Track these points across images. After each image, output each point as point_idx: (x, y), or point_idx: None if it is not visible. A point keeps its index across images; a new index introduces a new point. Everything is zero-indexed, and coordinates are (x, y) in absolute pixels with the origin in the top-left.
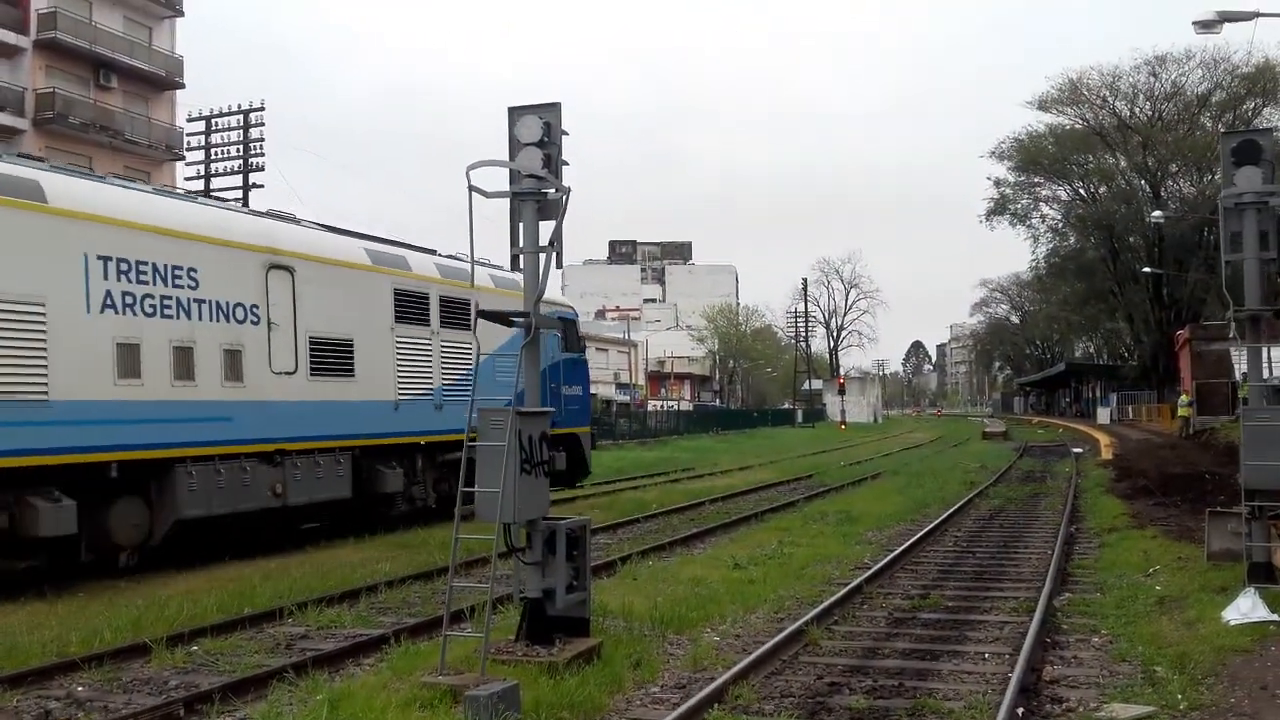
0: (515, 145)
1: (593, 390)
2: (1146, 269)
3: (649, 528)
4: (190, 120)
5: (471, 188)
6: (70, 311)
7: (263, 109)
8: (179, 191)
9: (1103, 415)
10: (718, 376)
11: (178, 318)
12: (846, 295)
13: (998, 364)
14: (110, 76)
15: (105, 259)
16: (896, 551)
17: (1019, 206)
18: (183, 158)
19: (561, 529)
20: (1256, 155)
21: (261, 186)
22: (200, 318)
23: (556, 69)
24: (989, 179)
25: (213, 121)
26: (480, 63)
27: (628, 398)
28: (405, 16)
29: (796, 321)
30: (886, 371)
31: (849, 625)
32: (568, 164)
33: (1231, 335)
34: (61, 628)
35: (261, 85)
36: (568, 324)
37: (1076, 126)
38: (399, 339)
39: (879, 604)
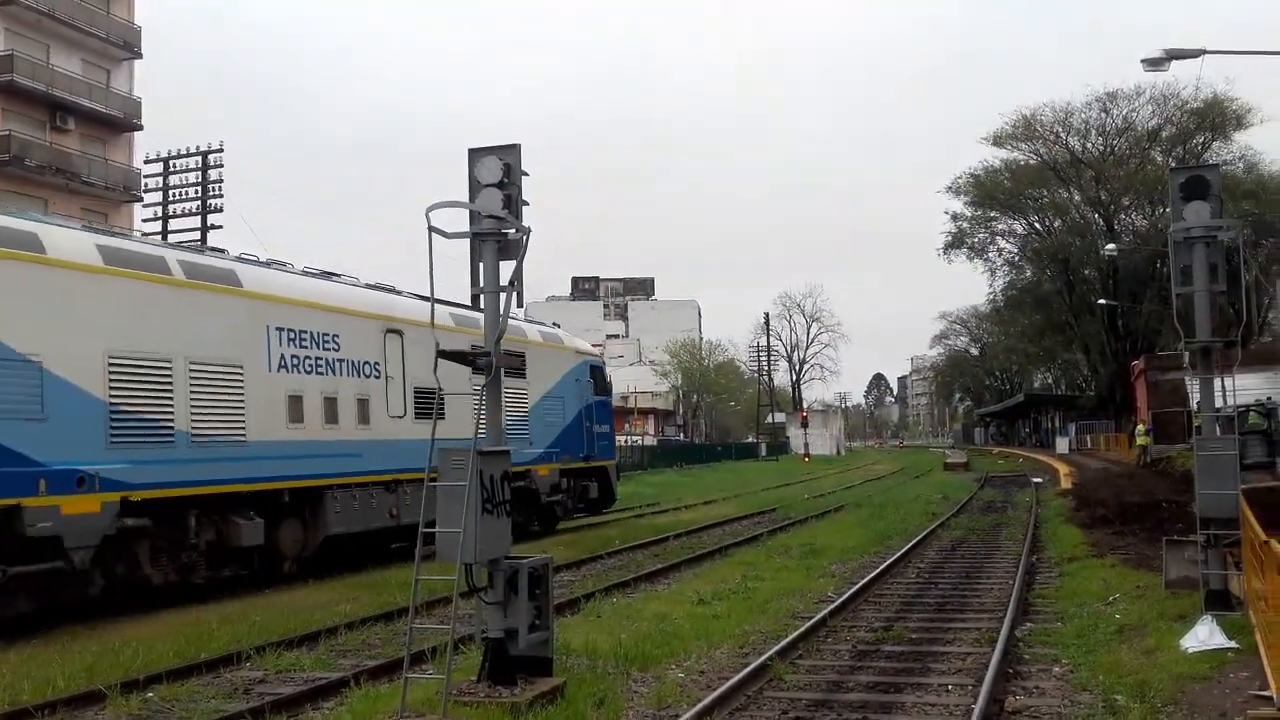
0: (475, 186)
1: None
2: (1101, 301)
3: (613, 564)
4: (148, 162)
5: (431, 229)
6: (259, 371)
7: (221, 150)
8: (316, 270)
9: (1062, 445)
10: (681, 411)
11: (326, 374)
12: (808, 329)
13: (958, 395)
14: (67, 119)
15: (280, 329)
16: (860, 584)
17: (976, 240)
18: (140, 199)
19: (524, 568)
20: (1205, 190)
21: (220, 227)
22: (341, 374)
23: (524, 98)
24: (946, 213)
25: (171, 163)
26: (445, 96)
27: None
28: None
29: (759, 355)
30: (849, 404)
31: (813, 659)
32: (528, 204)
33: (1185, 365)
34: (13, 676)
35: (223, 124)
36: (596, 370)
37: (1031, 162)
38: (474, 387)
39: (843, 637)
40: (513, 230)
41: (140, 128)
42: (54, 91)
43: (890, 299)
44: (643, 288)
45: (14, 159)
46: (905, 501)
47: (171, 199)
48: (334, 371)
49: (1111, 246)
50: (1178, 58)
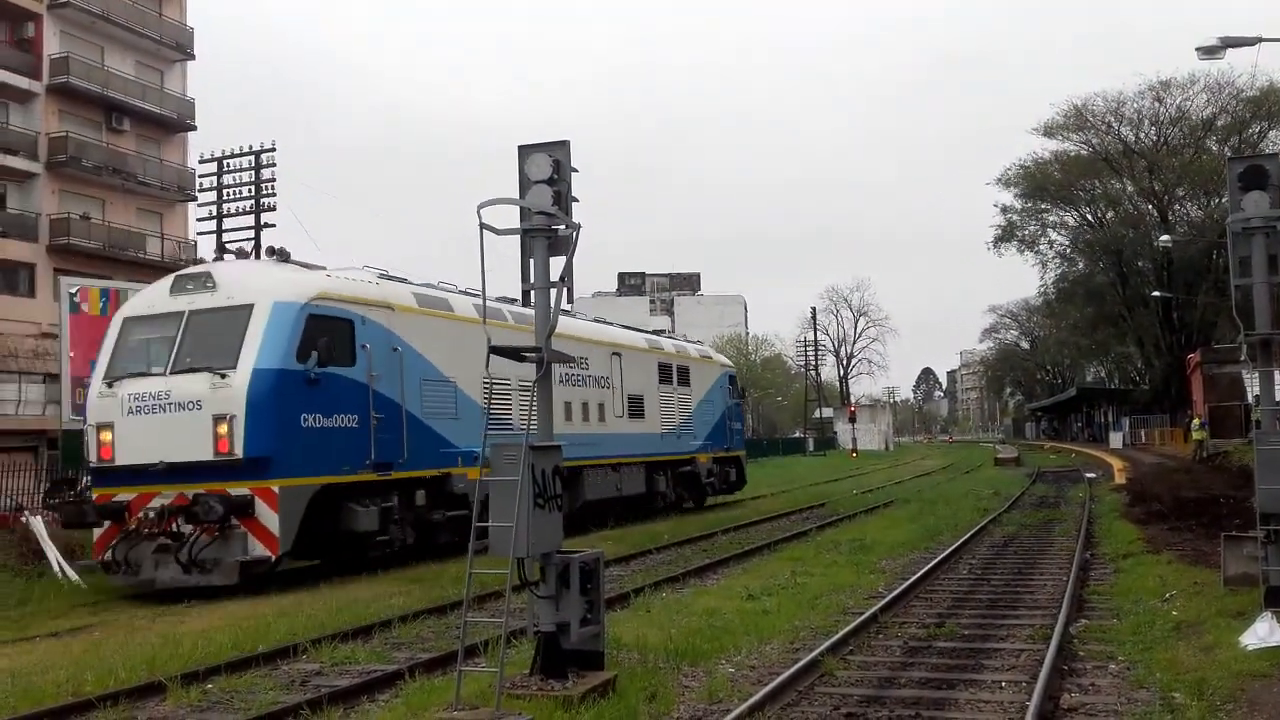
0: (525, 183)
1: None
2: (1156, 293)
3: (662, 559)
4: (202, 162)
5: (483, 225)
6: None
7: (274, 149)
8: (565, 308)
9: (1115, 439)
10: None
11: (581, 386)
12: (855, 323)
13: (1008, 390)
14: (122, 120)
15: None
16: (911, 580)
17: (1026, 233)
18: (195, 199)
19: (575, 563)
20: (1263, 180)
21: (274, 226)
22: (589, 386)
23: (562, 99)
24: (996, 206)
25: (224, 163)
26: (477, 94)
27: None
28: (405, 49)
29: (806, 350)
30: (897, 399)
31: (864, 655)
32: (577, 200)
33: (1243, 358)
34: (75, 667)
35: (276, 123)
36: (732, 379)
37: (1082, 152)
38: (661, 394)
39: (894, 633)
40: (562, 226)
41: (194, 128)
42: (109, 93)
43: (939, 292)
44: (689, 283)
45: (71, 159)
46: (955, 497)
47: (225, 198)
48: (585, 384)
49: (1166, 238)
50: (1233, 45)
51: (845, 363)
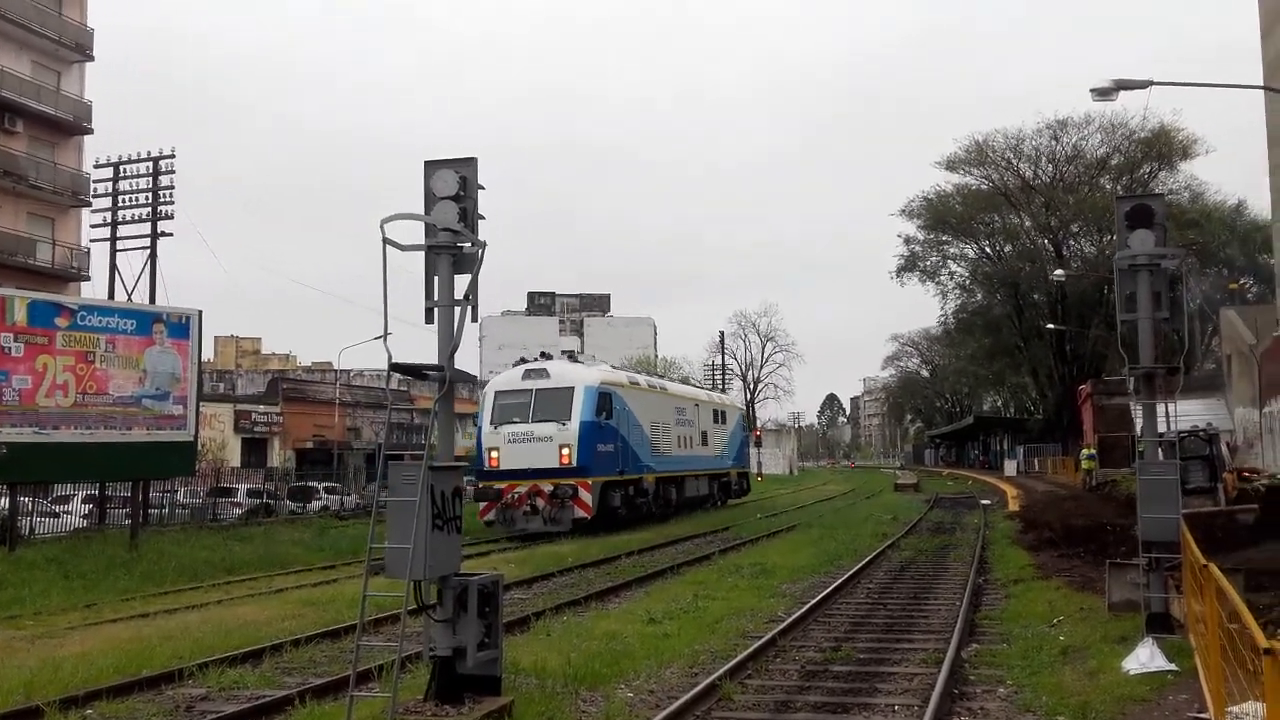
0: (430, 198)
1: None
2: (1050, 325)
3: (564, 582)
4: (98, 166)
5: (386, 240)
6: (667, 425)
7: (173, 156)
8: (676, 377)
9: (1010, 467)
10: None
11: (685, 426)
12: (763, 348)
13: (909, 416)
14: (15, 120)
15: (677, 408)
16: (810, 604)
17: (928, 263)
18: (89, 204)
19: (473, 585)
20: (1149, 219)
21: (171, 235)
22: (687, 425)
23: (476, 116)
24: (900, 236)
25: (121, 168)
26: (393, 113)
27: None
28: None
29: (714, 374)
30: (802, 424)
31: (762, 679)
32: (484, 218)
33: (1130, 390)
34: None
35: (177, 132)
36: (743, 415)
37: (983, 187)
38: (714, 428)
39: (792, 657)
40: (468, 244)
41: (90, 131)
42: (2, 92)
43: (845, 320)
44: (599, 304)
45: None
46: (856, 522)
47: (121, 204)
48: (686, 425)
49: (1060, 272)
50: (1126, 88)
51: (752, 387)
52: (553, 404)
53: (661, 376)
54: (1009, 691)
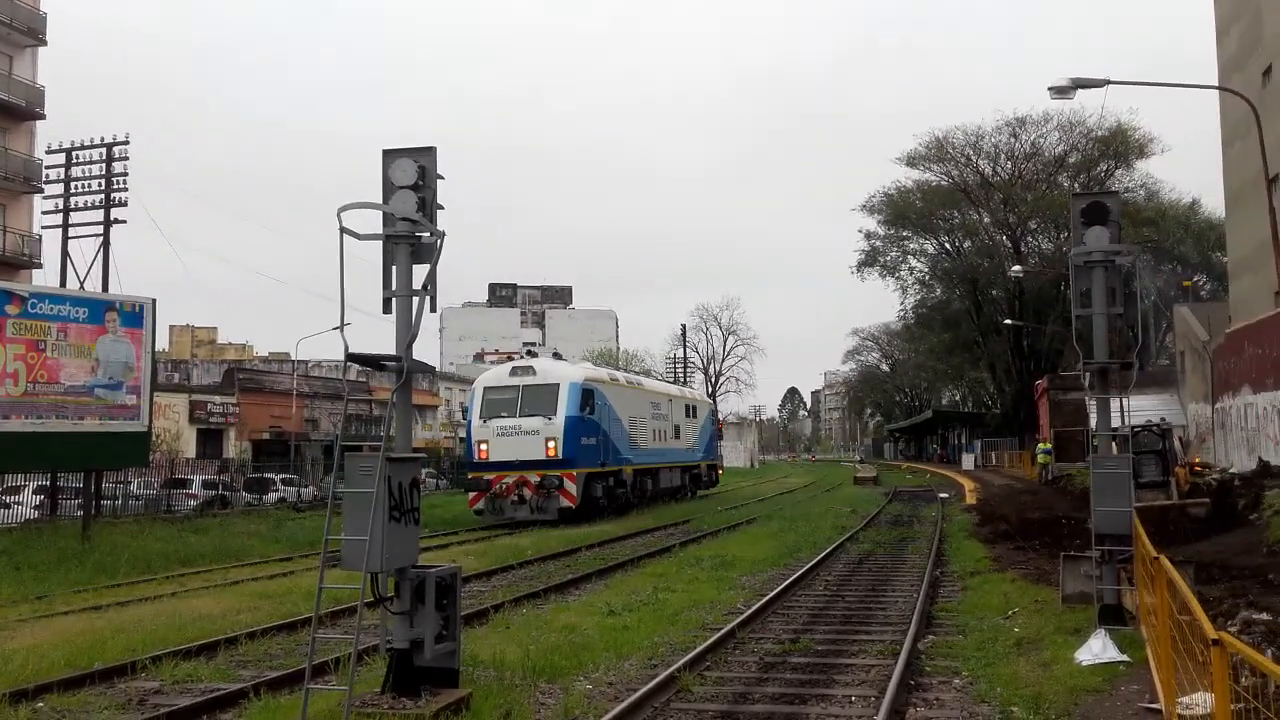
0: (389, 188)
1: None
2: (1008, 321)
3: (524, 574)
4: (50, 152)
5: (343, 230)
6: (644, 420)
7: (127, 142)
8: (656, 374)
9: (968, 461)
10: None
11: (659, 420)
12: (725, 342)
13: (869, 410)
14: None
15: (652, 404)
16: (769, 596)
17: (888, 258)
18: (41, 190)
19: (431, 577)
20: (1104, 216)
21: (124, 222)
22: (661, 420)
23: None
24: (860, 231)
25: (74, 154)
26: (349, 110)
27: None
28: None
29: (676, 367)
30: (763, 417)
31: (721, 671)
32: (443, 208)
33: (1085, 385)
34: None
35: (133, 120)
36: (713, 411)
37: (943, 183)
38: (686, 423)
39: (751, 649)
40: (427, 234)
41: (43, 116)
42: None
43: (806, 314)
44: (560, 296)
45: None
46: (816, 515)
47: (74, 191)
48: (661, 419)
49: (1018, 268)
50: (1083, 86)
51: (714, 381)
52: (539, 399)
53: (638, 373)
54: (964, 682)
